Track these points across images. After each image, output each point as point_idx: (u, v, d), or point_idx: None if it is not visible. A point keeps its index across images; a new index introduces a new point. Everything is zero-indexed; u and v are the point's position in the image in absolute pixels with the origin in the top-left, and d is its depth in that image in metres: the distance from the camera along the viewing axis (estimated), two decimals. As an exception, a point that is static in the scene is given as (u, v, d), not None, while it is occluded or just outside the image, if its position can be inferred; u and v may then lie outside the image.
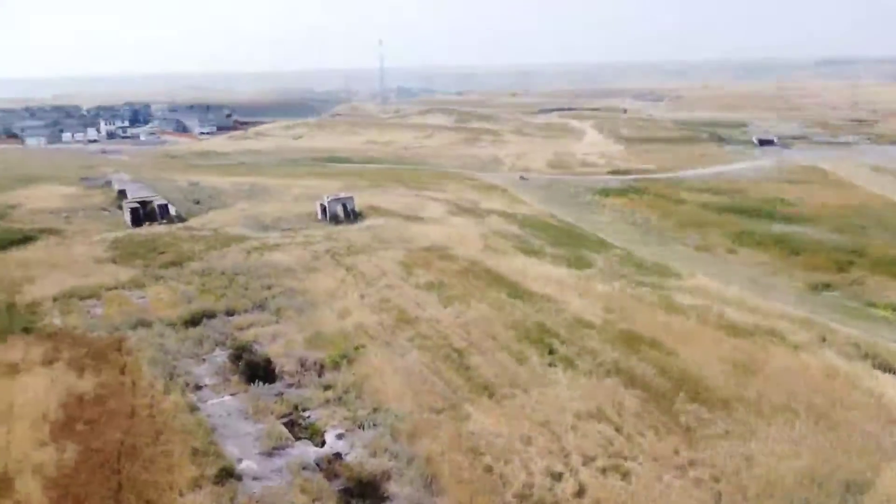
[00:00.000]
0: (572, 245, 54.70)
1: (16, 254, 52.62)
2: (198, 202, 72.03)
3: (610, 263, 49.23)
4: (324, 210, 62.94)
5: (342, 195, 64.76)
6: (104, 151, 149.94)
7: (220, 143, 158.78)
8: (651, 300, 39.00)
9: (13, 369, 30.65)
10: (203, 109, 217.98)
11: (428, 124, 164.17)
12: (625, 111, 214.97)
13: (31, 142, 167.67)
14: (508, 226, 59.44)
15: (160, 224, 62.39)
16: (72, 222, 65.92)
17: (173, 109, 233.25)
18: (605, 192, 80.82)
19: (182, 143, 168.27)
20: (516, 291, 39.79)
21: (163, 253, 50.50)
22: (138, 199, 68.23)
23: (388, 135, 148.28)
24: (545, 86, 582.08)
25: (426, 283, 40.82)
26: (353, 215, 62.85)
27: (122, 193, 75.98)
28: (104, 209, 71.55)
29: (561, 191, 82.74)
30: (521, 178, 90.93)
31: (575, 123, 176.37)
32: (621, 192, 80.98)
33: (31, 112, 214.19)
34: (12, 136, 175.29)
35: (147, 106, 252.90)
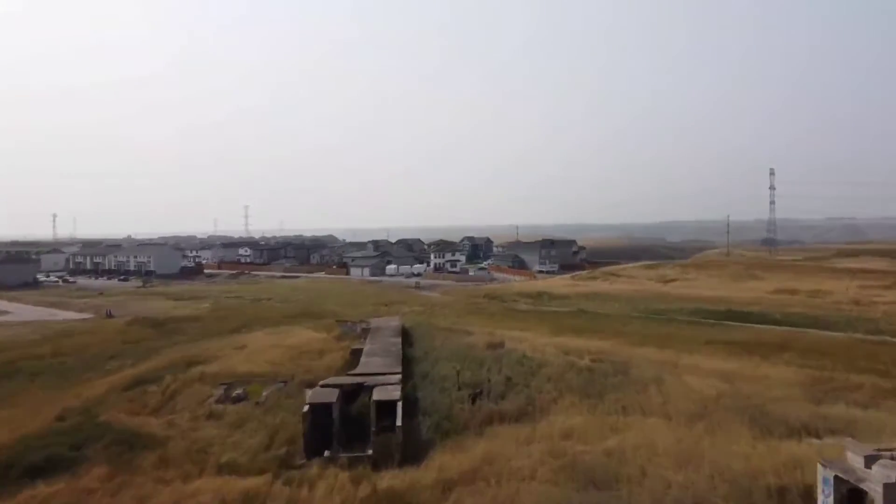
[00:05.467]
0: None
1: None
2: (475, 396, 31.99)
3: None
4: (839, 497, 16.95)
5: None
6: (417, 286, 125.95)
7: (560, 283, 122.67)
8: None
9: None
10: (547, 244, 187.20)
11: (870, 269, 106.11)
12: None
13: (354, 272, 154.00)
14: None
15: (364, 457, 23.83)
16: (227, 413, 31.55)
17: (515, 245, 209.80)
18: None
19: (514, 282, 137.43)
20: None
21: None
22: (348, 384, 31.21)
23: (811, 281, 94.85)
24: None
25: None
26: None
27: (355, 353, 40.98)
28: (310, 386, 35.93)
29: None
30: None
31: None
32: None
33: (379, 247, 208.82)
34: (342, 265, 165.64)
35: (489, 241, 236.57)
